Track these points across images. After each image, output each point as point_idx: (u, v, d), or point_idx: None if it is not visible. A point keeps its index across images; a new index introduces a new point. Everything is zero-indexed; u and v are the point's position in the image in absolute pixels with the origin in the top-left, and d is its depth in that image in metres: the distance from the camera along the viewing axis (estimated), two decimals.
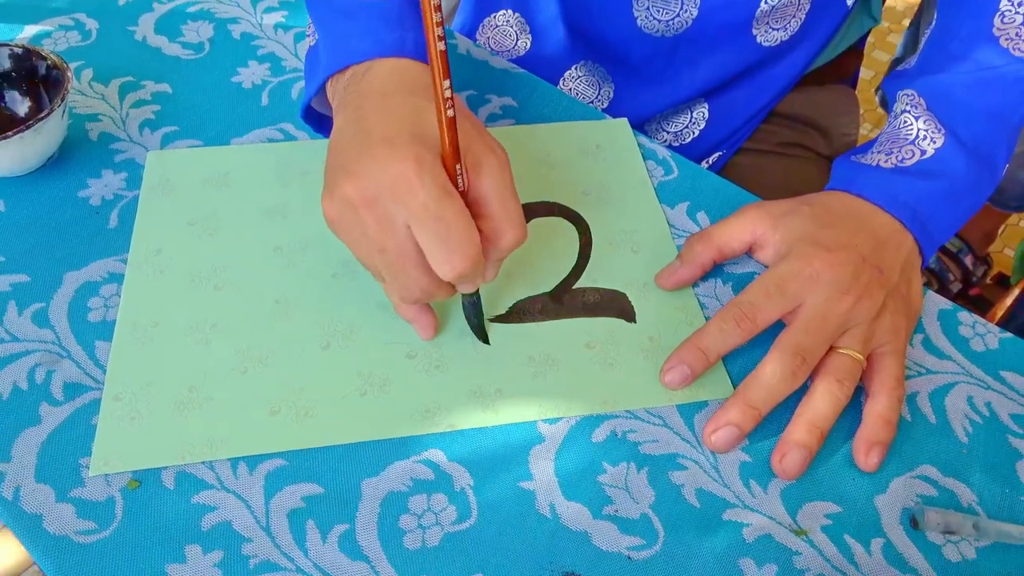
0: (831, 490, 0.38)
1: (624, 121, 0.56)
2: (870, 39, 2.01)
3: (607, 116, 0.56)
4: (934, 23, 0.52)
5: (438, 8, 0.31)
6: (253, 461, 0.37)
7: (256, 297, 0.43)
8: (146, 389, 0.39)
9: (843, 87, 0.77)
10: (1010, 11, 0.47)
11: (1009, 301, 0.83)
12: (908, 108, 0.47)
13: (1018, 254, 0.87)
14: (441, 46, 0.32)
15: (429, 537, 0.36)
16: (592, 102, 0.71)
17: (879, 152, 0.47)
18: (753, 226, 0.45)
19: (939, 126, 0.45)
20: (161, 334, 0.42)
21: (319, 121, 0.49)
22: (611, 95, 0.73)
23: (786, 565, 0.35)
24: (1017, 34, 0.46)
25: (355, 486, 0.37)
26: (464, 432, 0.39)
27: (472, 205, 0.36)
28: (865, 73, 1.91)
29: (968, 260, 1.36)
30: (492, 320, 0.43)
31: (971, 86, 0.46)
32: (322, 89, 0.44)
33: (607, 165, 0.52)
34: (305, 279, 0.44)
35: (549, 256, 0.46)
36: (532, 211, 0.46)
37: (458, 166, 0.34)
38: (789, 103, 0.74)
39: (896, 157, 0.46)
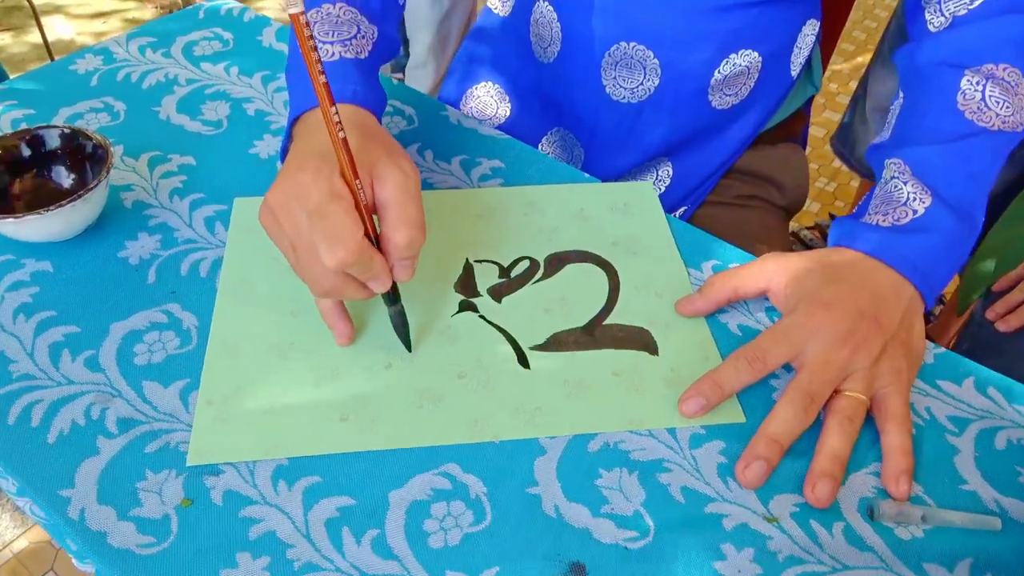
0: (797, 484, 0.44)
1: (649, 184, 0.64)
2: (821, 100, 2.16)
3: (585, 175, 0.64)
4: (902, 101, 0.59)
5: (315, 49, 0.39)
6: (292, 477, 0.42)
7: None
8: (234, 395, 0.46)
9: (793, 145, 0.86)
10: (970, 89, 0.55)
11: (955, 329, 0.91)
12: (896, 175, 0.54)
13: (961, 293, 0.96)
14: (323, 79, 0.39)
15: (451, 537, 0.41)
16: (567, 163, 0.79)
17: (876, 214, 0.53)
18: (769, 277, 0.51)
19: (925, 189, 0.52)
20: (246, 350, 0.48)
21: None
22: (583, 157, 0.81)
23: (761, 548, 0.41)
24: (979, 108, 0.54)
25: (383, 497, 0.42)
26: (477, 446, 0.44)
27: (379, 211, 0.43)
28: (817, 131, 2.05)
29: None
30: (532, 349, 0.49)
31: (948, 155, 0.53)
32: (291, 135, 0.51)
33: (633, 220, 0.59)
34: (371, 309, 0.50)
35: (583, 296, 0.53)
36: (568, 258, 0.55)
37: (358, 181, 0.41)
38: (745, 160, 0.82)
39: (892, 217, 0.52)
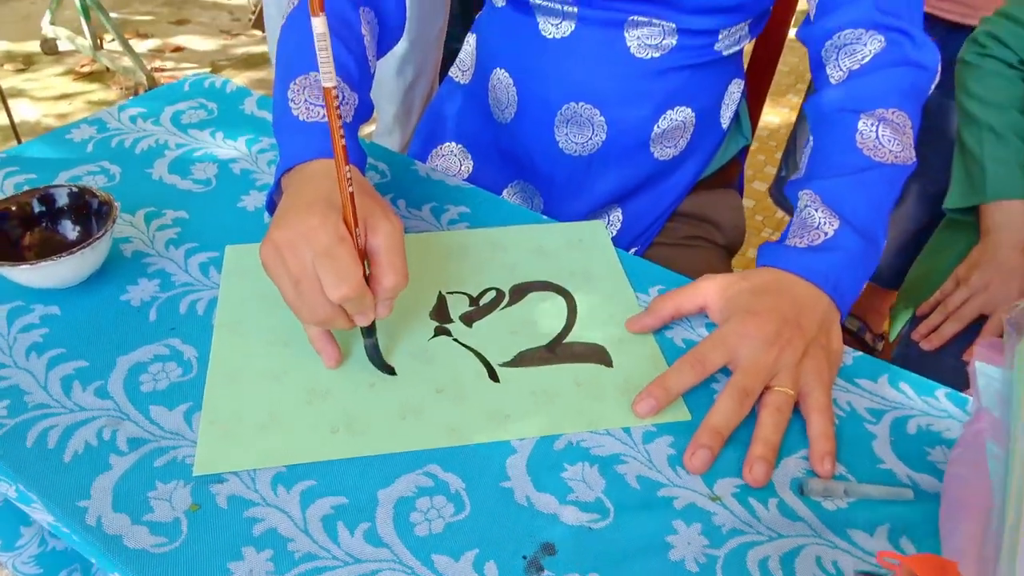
0: (737, 468, 0.50)
1: (600, 222, 0.71)
2: (762, 157, 2.30)
3: (544, 217, 0.71)
4: (811, 142, 0.68)
5: (340, 116, 0.46)
6: (289, 482, 0.47)
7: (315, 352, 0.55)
8: (234, 415, 0.51)
9: (729, 190, 0.95)
10: (866, 130, 0.64)
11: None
12: (809, 203, 0.62)
13: (892, 320, 1.05)
14: (342, 142, 0.46)
15: (434, 527, 0.46)
16: None
17: (794, 237, 0.61)
18: (705, 295, 0.58)
19: (834, 214, 0.60)
20: (244, 376, 0.53)
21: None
22: (541, 206, 0.88)
23: (707, 523, 0.47)
24: (874, 145, 0.63)
25: (372, 495, 0.47)
26: (455, 449, 0.50)
27: (369, 256, 0.49)
28: (761, 185, 2.18)
29: (868, 337, 1.54)
30: (502, 366, 0.55)
31: (851, 185, 0.62)
32: (279, 185, 0.57)
33: (587, 254, 0.66)
34: (355, 336, 0.56)
35: (545, 319, 0.59)
36: (530, 287, 0.62)
37: (357, 229, 0.48)
38: (688, 204, 0.90)
39: (807, 239, 0.60)
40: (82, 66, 2.74)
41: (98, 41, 2.70)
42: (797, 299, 0.56)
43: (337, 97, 0.50)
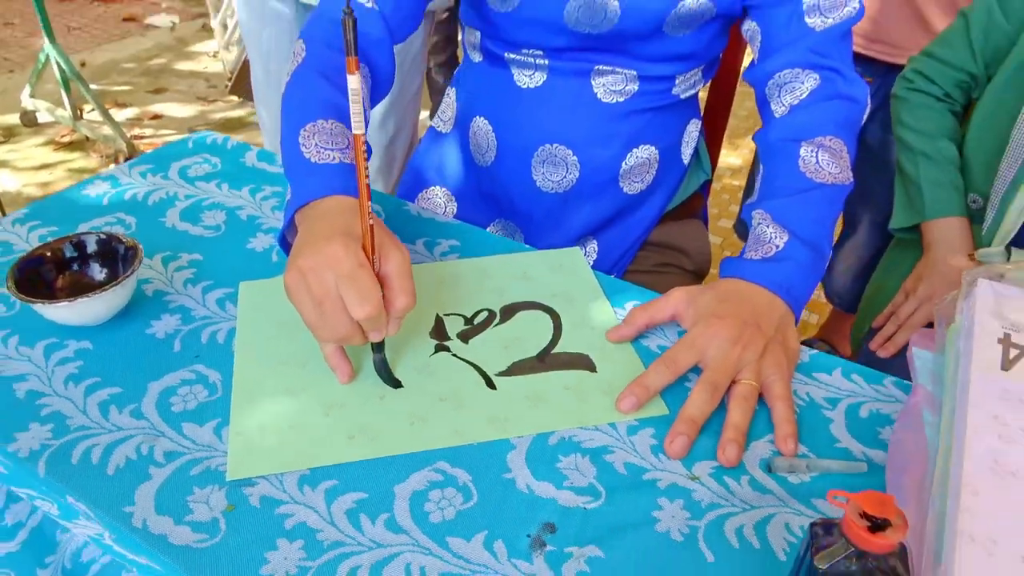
0: (712, 451, 0.56)
1: (577, 249, 0.78)
2: (727, 196, 2.41)
3: (526, 246, 0.78)
4: (763, 170, 0.77)
5: (366, 158, 0.53)
6: (314, 482, 0.53)
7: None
8: (259, 427, 0.56)
9: (695, 220, 1.03)
10: (807, 156, 0.72)
11: None
12: (761, 221, 0.70)
13: (853, 335, 1.13)
14: (366, 181, 0.53)
15: (447, 514, 0.51)
16: None
17: (750, 251, 0.68)
18: (675, 305, 0.66)
19: (783, 229, 0.68)
20: (266, 394, 0.59)
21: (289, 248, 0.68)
22: (522, 241, 0.96)
23: (688, 499, 0.53)
24: (815, 168, 0.71)
25: (389, 490, 0.52)
26: (464, 448, 0.55)
27: (382, 280, 0.56)
28: (726, 223, 2.28)
29: None
30: (498, 375, 0.62)
31: (796, 203, 0.70)
32: (292, 221, 0.63)
33: (568, 276, 0.73)
34: (365, 356, 0.62)
35: (534, 334, 0.66)
36: (519, 307, 0.69)
37: (374, 256, 0.55)
38: (657, 234, 0.98)
39: (761, 252, 0.67)
40: (62, 136, 2.80)
41: (78, 112, 2.77)
42: (756, 304, 0.63)
43: (348, 144, 0.57)
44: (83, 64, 3.35)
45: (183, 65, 3.58)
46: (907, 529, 0.39)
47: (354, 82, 0.49)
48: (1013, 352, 0.50)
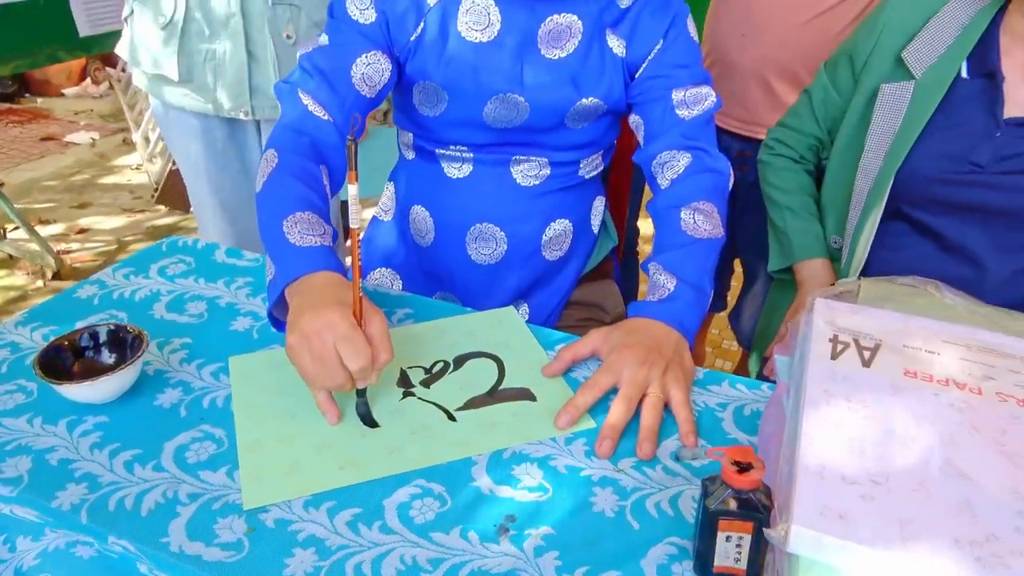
0: (632, 450, 0.71)
1: (511, 308, 0.94)
2: None
3: (470, 310, 0.93)
4: (656, 231, 0.95)
5: (360, 247, 0.68)
6: (317, 504, 0.65)
7: (321, 418, 0.73)
8: (265, 467, 0.68)
9: (609, 281, 1.20)
10: (687, 218, 0.90)
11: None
12: (656, 271, 0.87)
13: (751, 368, 1.31)
14: (359, 263, 0.68)
15: (428, 516, 0.64)
16: None
17: (649, 295, 0.86)
18: (594, 342, 0.81)
19: (672, 276, 0.85)
20: (266, 442, 0.71)
21: (275, 322, 0.81)
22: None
23: (616, 486, 0.67)
24: (694, 227, 0.89)
25: (379, 504, 0.65)
26: (436, 467, 0.69)
27: (367, 339, 0.69)
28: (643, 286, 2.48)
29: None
30: (457, 410, 0.75)
31: (681, 255, 0.87)
32: (282, 296, 0.76)
33: (506, 329, 0.89)
34: (349, 401, 0.74)
35: (483, 376, 0.81)
36: (469, 356, 0.83)
37: (362, 321, 0.69)
38: (578, 294, 1.15)
39: (657, 295, 0.85)
40: None
41: (2, 231, 2.81)
42: (656, 335, 0.79)
43: (324, 231, 0.71)
44: (2, 184, 3.37)
45: (106, 179, 3.65)
46: (764, 470, 0.54)
47: (353, 190, 0.65)
48: (839, 347, 0.67)
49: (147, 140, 3.36)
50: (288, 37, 1.44)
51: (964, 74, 0.99)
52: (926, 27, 1.01)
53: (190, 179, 1.60)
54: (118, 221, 3.24)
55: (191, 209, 3.55)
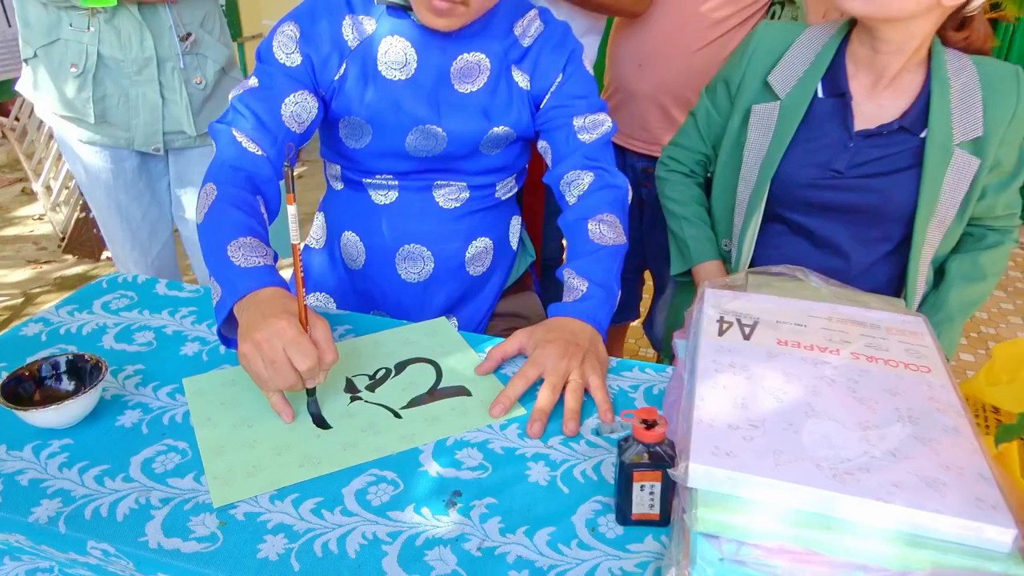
0: (559, 429, 0.81)
1: (444, 318, 1.02)
2: None
3: (406, 322, 1.02)
4: (567, 243, 1.07)
5: (300, 259, 0.76)
6: (282, 496, 0.72)
7: (278, 423, 0.80)
8: (228, 470, 0.74)
9: (530, 292, 1.31)
10: (593, 229, 1.02)
11: None
12: (569, 276, 0.98)
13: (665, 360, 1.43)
14: (301, 275, 0.76)
15: (383, 498, 0.72)
16: None
17: (565, 297, 0.96)
18: (520, 341, 0.91)
19: (584, 279, 0.96)
20: (227, 448, 0.77)
21: (224, 340, 0.88)
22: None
23: (547, 459, 0.77)
24: (600, 236, 1.01)
25: (339, 492, 0.73)
26: (387, 458, 0.77)
27: (313, 343, 0.77)
28: None
29: None
30: (401, 408, 0.84)
31: (590, 261, 0.99)
32: (230, 314, 0.83)
33: (439, 337, 0.97)
34: (301, 404, 0.82)
35: (423, 378, 0.89)
36: (409, 363, 0.92)
37: (307, 328, 0.78)
38: (501, 307, 1.25)
39: (572, 296, 0.95)
40: None
41: None
42: (573, 330, 0.90)
43: (266, 253, 0.79)
44: None
45: (7, 231, 3.54)
46: (667, 425, 0.65)
47: (293, 209, 0.73)
48: (725, 326, 0.80)
49: (49, 189, 3.28)
50: (198, 83, 1.53)
51: (820, 94, 1.16)
52: (787, 53, 1.18)
53: (101, 212, 1.63)
54: (23, 274, 3.15)
55: (102, 256, 3.45)
